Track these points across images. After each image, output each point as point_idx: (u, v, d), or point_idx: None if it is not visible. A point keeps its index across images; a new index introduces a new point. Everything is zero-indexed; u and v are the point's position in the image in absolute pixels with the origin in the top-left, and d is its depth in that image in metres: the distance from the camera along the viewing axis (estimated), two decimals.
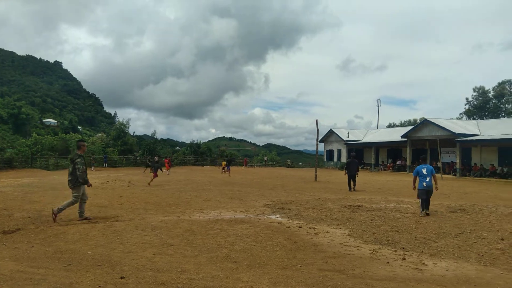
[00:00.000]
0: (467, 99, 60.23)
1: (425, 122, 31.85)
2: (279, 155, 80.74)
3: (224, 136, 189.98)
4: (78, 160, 7.54)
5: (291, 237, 6.30)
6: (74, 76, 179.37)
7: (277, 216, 8.59)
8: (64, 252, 5.10)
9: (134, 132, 57.32)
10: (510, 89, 57.03)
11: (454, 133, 27.79)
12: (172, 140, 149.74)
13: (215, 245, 5.63)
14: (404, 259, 5.15)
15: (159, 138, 55.79)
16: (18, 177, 21.82)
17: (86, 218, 7.57)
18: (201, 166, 41.42)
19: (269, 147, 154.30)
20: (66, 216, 8.01)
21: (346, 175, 15.79)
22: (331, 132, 46.13)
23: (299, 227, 7.24)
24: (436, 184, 9.25)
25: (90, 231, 6.45)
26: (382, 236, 6.61)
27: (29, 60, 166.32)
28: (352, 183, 15.54)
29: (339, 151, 44.37)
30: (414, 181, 9.41)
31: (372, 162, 38.84)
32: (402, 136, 33.70)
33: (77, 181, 7.49)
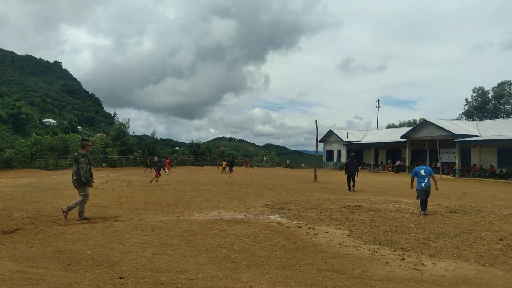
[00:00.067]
0: (466, 99, 60.30)
1: (424, 123, 31.87)
2: (279, 156, 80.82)
3: (223, 136, 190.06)
4: (82, 159, 7.57)
5: (290, 237, 6.30)
6: (73, 76, 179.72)
7: (277, 216, 8.59)
8: (63, 252, 5.10)
9: (133, 132, 57.47)
10: (510, 90, 57.06)
11: (454, 133, 27.82)
12: (172, 140, 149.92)
13: (214, 245, 5.63)
14: (403, 259, 5.15)
15: (158, 138, 55.83)
16: (18, 177, 21.81)
17: (85, 218, 7.57)
18: (200, 166, 41.41)
19: (268, 147, 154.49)
20: None
21: (346, 175, 15.82)
22: (330, 133, 46.14)
23: (299, 227, 7.25)
24: (436, 184, 9.41)
25: (89, 231, 6.45)
26: (381, 236, 6.62)
27: (29, 60, 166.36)
28: (351, 183, 15.56)
29: (339, 152, 44.38)
30: (412, 181, 9.62)
31: (372, 163, 38.86)
32: (401, 137, 33.71)
33: (81, 180, 7.53)
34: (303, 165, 44.42)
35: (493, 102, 57.58)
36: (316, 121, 23.53)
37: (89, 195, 7.90)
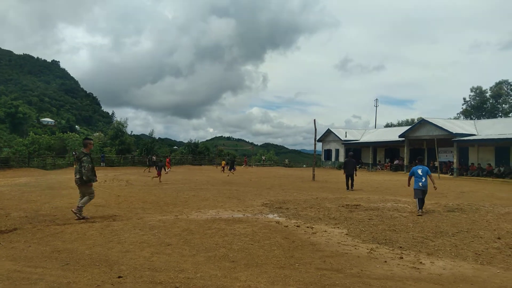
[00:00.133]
0: (464, 99, 60.39)
1: (422, 122, 31.93)
2: (277, 155, 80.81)
3: (222, 136, 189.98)
4: (85, 158, 7.62)
5: (289, 236, 6.30)
6: (71, 75, 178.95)
7: (275, 215, 8.59)
8: (61, 252, 5.08)
9: (131, 132, 57.09)
10: (507, 89, 57.22)
11: (452, 132, 27.88)
12: (170, 139, 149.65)
13: (213, 245, 5.63)
14: (402, 258, 5.16)
15: (157, 138, 55.65)
16: (15, 176, 21.74)
17: (83, 218, 7.55)
18: (199, 166, 41.39)
19: (267, 146, 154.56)
20: (64, 215, 8.01)
21: (345, 174, 15.88)
22: (329, 132, 46.17)
23: (297, 226, 7.25)
24: (434, 183, 9.52)
25: (87, 231, 6.44)
26: (380, 235, 6.63)
27: (27, 59, 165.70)
28: (350, 182, 15.61)
29: (337, 151, 44.43)
30: (409, 180, 9.76)
31: (370, 162, 38.92)
32: (399, 136, 33.77)
33: (85, 179, 7.58)
34: (304, 165, 44.37)
35: (491, 101, 57.72)
36: (314, 120, 23.56)
37: (94, 193, 7.96)
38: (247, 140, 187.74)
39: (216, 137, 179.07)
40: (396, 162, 36.22)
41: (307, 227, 7.20)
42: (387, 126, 65.09)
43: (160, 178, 18.13)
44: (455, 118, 52.75)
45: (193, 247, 5.48)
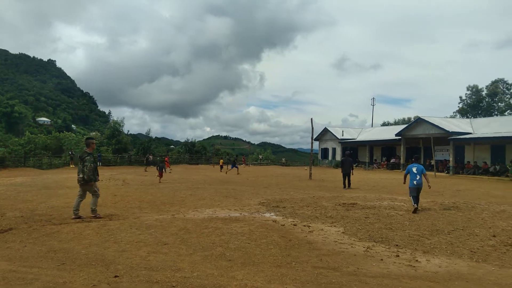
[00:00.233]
0: (460, 97, 60.56)
1: (419, 121, 32.05)
2: (274, 154, 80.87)
3: (219, 135, 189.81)
4: (88, 157, 7.68)
5: (285, 235, 6.31)
6: (68, 74, 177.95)
7: (272, 214, 8.60)
8: (57, 252, 5.07)
9: (128, 131, 56.99)
10: (503, 87, 57.49)
11: (448, 131, 27.99)
12: (167, 138, 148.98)
13: (209, 244, 5.63)
14: (398, 256, 5.18)
15: (153, 137, 55.59)
16: (11, 176, 21.62)
17: (79, 217, 7.54)
18: (196, 165, 41.34)
19: (264, 145, 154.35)
20: (60, 215, 7.98)
21: (342, 173, 15.95)
22: (325, 131, 46.26)
23: (294, 225, 7.26)
24: (428, 182, 9.66)
25: (84, 230, 6.42)
26: (376, 233, 6.65)
27: (23, 58, 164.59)
28: (347, 181, 15.68)
29: (334, 150, 44.52)
30: (405, 178, 9.90)
31: (367, 160, 39.01)
32: (396, 135, 33.89)
33: (86, 178, 7.63)
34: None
35: (487, 100, 57.96)
36: (311, 119, 23.58)
37: (98, 190, 7.99)
38: (244, 139, 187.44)
39: (213, 136, 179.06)
40: (392, 160, 36.35)
41: (304, 225, 7.21)
42: (384, 124, 65.34)
43: (159, 178, 18.13)
44: (451, 117, 52.95)
45: (190, 246, 5.47)
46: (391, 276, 4.32)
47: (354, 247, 5.65)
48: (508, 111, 54.08)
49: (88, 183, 7.68)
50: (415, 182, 9.33)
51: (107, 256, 4.86)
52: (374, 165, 37.88)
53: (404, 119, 65.38)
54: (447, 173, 28.53)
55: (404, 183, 9.89)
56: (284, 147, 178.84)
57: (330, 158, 44.99)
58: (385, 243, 5.94)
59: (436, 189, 15.55)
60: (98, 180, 8.08)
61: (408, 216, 8.44)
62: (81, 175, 7.65)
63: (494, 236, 6.58)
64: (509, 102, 56.64)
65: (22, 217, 7.70)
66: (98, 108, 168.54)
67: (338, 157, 41.31)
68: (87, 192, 7.81)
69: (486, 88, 57.82)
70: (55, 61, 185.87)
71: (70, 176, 20.79)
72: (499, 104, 57.47)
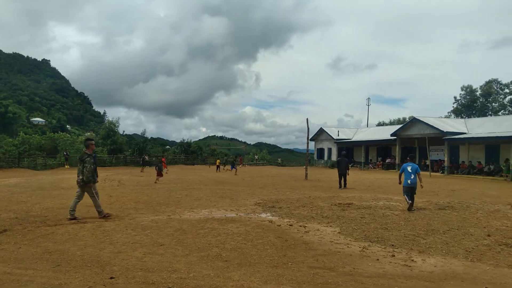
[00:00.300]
0: (455, 97, 60.97)
1: (414, 121, 32.20)
2: (270, 154, 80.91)
3: (214, 135, 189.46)
4: (88, 159, 7.68)
5: (281, 235, 6.32)
6: (62, 74, 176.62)
7: (268, 214, 8.60)
8: (52, 253, 5.04)
9: (123, 131, 56.71)
10: (497, 88, 57.96)
11: (443, 131, 28.14)
12: (162, 139, 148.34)
13: (205, 244, 5.62)
14: (394, 256, 5.21)
15: (149, 137, 55.25)
16: (5, 177, 21.45)
17: (75, 218, 7.49)
18: (191, 165, 41.27)
19: (260, 145, 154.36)
20: (55, 216, 7.93)
21: (338, 173, 16.03)
22: (321, 131, 46.34)
23: (290, 225, 7.27)
24: (421, 182, 9.77)
25: (79, 232, 6.38)
26: (372, 233, 6.68)
27: (16, 58, 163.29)
28: (342, 181, 15.75)
29: (330, 150, 44.61)
30: (400, 177, 10.04)
31: (362, 160, 39.15)
32: (391, 135, 34.02)
33: (85, 180, 7.62)
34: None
35: (481, 100, 58.41)
36: (307, 119, 23.60)
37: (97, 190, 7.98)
38: (240, 140, 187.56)
39: (208, 136, 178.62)
40: (388, 160, 36.49)
41: (300, 226, 7.22)
42: (379, 125, 65.58)
43: (157, 178, 18.14)
44: (446, 117, 53.30)
45: (186, 247, 5.46)
46: (387, 276, 4.34)
47: (350, 247, 5.67)
48: (501, 111, 54.55)
49: (87, 185, 7.65)
50: (409, 181, 9.48)
51: (102, 258, 4.83)
52: (370, 165, 38.01)
53: (399, 119, 65.67)
54: (442, 173, 28.70)
55: (400, 183, 9.97)
56: (280, 147, 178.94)
57: (325, 158, 45.08)
58: (381, 243, 5.96)
59: (431, 189, 15.65)
60: (97, 182, 8.05)
61: (404, 216, 8.48)
62: (80, 177, 7.63)
63: (488, 235, 6.63)
64: (503, 102, 57.15)
65: (17, 218, 7.64)
66: (93, 108, 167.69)
67: (334, 157, 41.40)
68: (86, 194, 7.78)
69: (480, 88, 58.29)
70: (49, 60, 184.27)
71: (65, 177, 20.67)
72: (493, 104, 57.95)
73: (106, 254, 5.02)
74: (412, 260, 5.00)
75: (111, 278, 4.04)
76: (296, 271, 4.42)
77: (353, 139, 42.03)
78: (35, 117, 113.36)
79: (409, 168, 9.63)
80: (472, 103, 58.44)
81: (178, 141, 60.09)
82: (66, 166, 32.24)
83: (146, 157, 31.41)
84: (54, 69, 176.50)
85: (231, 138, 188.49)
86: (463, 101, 59.70)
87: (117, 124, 44.39)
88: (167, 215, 8.21)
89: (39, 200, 10.43)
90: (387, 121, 70.63)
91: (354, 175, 23.60)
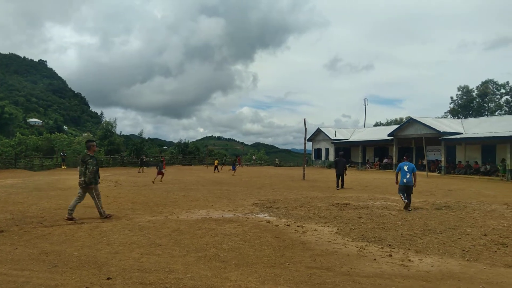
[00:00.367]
0: (451, 98, 61.27)
1: (411, 121, 32.30)
2: (268, 154, 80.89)
3: (212, 136, 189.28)
4: (90, 160, 7.71)
5: (279, 236, 6.32)
6: (59, 75, 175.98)
7: (265, 214, 8.61)
8: (49, 254, 5.01)
9: (121, 132, 56.40)
10: (493, 88, 58.24)
11: (439, 131, 28.24)
12: (160, 139, 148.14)
13: (203, 245, 5.62)
14: (391, 255, 5.22)
15: (146, 138, 55.13)
16: (1, 178, 21.33)
17: (72, 219, 7.47)
18: (189, 166, 41.21)
19: (257, 146, 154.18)
20: (51, 217, 7.90)
21: (336, 173, 16.07)
22: (318, 131, 46.41)
23: (287, 225, 7.27)
24: (415, 182, 9.86)
25: (76, 232, 6.36)
26: (369, 233, 6.69)
27: (13, 58, 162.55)
28: (340, 181, 15.78)
29: (327, 150, 44.68)
30: (397, 176, 10.10)
31: (359, 161, 39.21)
32: (388, 135, 34.12)
33: (87, 181, 7.64)
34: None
35: (477, 100, 58.67)
36: (304, 119, 23.64)
37: (75, 196, 7.95)
38: (237, 140, 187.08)
39: (206, 137, 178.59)
40: (385, 160, 36.59)
41: (298, 226, 7.23)
42: (376, 125, 65.77)
43: (155, 178, 18.21)
44: (442, 117, 53.52)
45: (183, 247, 5.45)
46: (384, 275, 4.35)
47: (347, 247, 5.68)
48: (498, 112, 54.81)
49: (88, 186, 7.66)
50: (404, 180, 9.63)
51: (99, 258, 4.82)
52: (367, 165, 38.09)
53: (396, 120, 65.88)
54: (438, 173, 28.79)
55: (397, 182, 10.03)
56: (277, 148, 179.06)
57: (323, 158, 45.14)
58: (378, 243, 5.97)
59: (428, 189, 15.70)
60: (99, 183, 8.06)
61: (401, 216, 8.50)
62: (82, 178, 7.65)
63: (485, 235, 6.66)
64: (499, 103, 57.47)
65: (13, 219, 7.61)
66: (90, 108, 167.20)
67: (331, 158, 41.47)
68: (87, 195, 7.80)
69: (476, 89, 58.55)
70: (46, 61, 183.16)
71: (62, 177, 20.61)
72: (489, 104, 58.22)
73: (103, 254, 5.01)
74: (409, 260, 5.02)
75: (108, 278, 4.03)
76: (293, 271, 4.42)
77: (351, 140, 42.11)
78: (32, 117, 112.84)
79: (405, 167, 9.77)
80: (469, 104, 58.70)
81: (175, 141, 60.15)
82: (63, 167, 32.12)
83: (144, 158, 31.34)
84: (51, 70, 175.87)
85: (228, 138, 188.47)
86: (459, 101, 59.94)
87: (114, 125, 44.25)
88: (165, 216, 8.19)
89: (36, 201, 10.38)
90: (384, 121, 70.90)
91: (351, 175, 23.64)
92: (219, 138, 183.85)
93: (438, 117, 42.33)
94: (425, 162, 28.16)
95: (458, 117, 53.19)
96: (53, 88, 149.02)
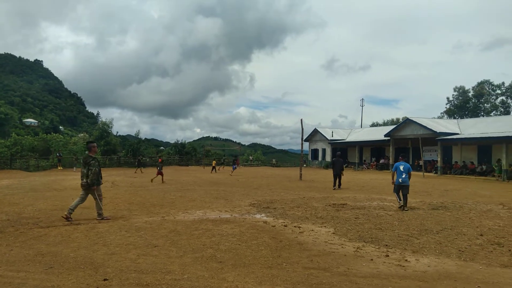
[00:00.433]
0: (448, 98, 61.58)
1: (407, 121, 32.40)
2: (264, 155, 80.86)
3: (209, 136, 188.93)
4: (92, 162, 7.72)
5: (276, 236, 6.32)
6: (55, 75, 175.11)
7: (262, 215, 8.60)
8: (45, 255, 4.99)
9: (117, 132, 56.45)
10: (489, 89, 58.59)
11: (436, 132, 28.35)
12: (156, 140, 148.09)
13: (200, 245, 5.60)
14: (388, 256, 5.23)
15: (143, 138, 54.95)
16: None
17: (68, 219, 7.43)
18: (186, 166, 41.15)
19: (254, 146, 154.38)
20: (47, 217, 7.86)
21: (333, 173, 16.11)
22: (315, 132, 46.46)
23: (284, 226, 7.28)
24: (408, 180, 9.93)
25: (72, 233, 6.33)
26: (366, 233, 6.70)
27: (8, 58, 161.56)
28: (337, 181, 15.81)
29: (324, 150, 44.74)
30: (393, 176, 10.28)
31: (356, 161, 39.30)
32: (385, 135, 34.20)
33: (89, 182, 7.64)
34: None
35: (473, 101, 58.99)
36: (301, 120, 23.66)
37: (71, 196, 7.92)
38: (234, 140, 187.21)
39: (203, 137, 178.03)
40: (382, 161, 36.69)
41: (294, 226, 7.23)
42: (373, 125, 65.92)
43: (155, 178, 18.24)
44: (439, 118, 53.73)
45: (180, 248, 5.44)
46: (381, 276, 4.36)
47: (344, 247, 5.69)
48: (493, 112, 55.14)
49: (91, 187, 7.67)
50: (400, 179, 9.76)
51: (96, 259, 4.80)
52: (364, 165, 38.18)
53: (392, 120, 66.09)
54: (435, 173, 28.90)
55: (393, 182, 10.12)
56: (274, 148, 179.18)
57: (320, 158, 45.19)
58: (375, 243, 5.99)
59: (425, 189, 15.76)
60: (101, 184, 8.07)
61: (398, 216, 8.53)
62: (84, 180, 7.66)
63: (481, 235, 6.69)
64: (495, 103, 57.84)
65: (9, 220, 7.56)
66: (86, 109, 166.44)
67: (328, 158, 41.53)
68: (89, 196, 7.80)
69: (472, 89, 58.87)
70: (42, 61, 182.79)
71: (58, 178, 20.52)
72: (485, 105, 58.58)
73: (99, 255, 4.99)
74: (406, 260, 5.03)
75: (105, 280, 4.01)
76: (290, 272, 4.42)
77: (347, 140, 42.19)
78: (28, 118, 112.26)
79: (401, 167, 9.89)
80: (465, 104, 59.00)
81: (172, 142, 59.95)
82: (59, 168, 31.96)
83: (142, 158, 31.26)
84: (46, 70, 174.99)
85: (225, 138, 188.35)
86: (455, 102, 60.25)
87: (110, 125, 44.12)
88: (161, 216, 8.17)
89: (32, 202, 10.33)
90: (380, 121, 71.08)
91: (348, 175, 23.69)
92: (216, 138, 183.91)
93: (434, 118, 42.46)
94: (421, 163, 28.27)
95: (454, 118, 53.44)
96: (49, 88, 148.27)
